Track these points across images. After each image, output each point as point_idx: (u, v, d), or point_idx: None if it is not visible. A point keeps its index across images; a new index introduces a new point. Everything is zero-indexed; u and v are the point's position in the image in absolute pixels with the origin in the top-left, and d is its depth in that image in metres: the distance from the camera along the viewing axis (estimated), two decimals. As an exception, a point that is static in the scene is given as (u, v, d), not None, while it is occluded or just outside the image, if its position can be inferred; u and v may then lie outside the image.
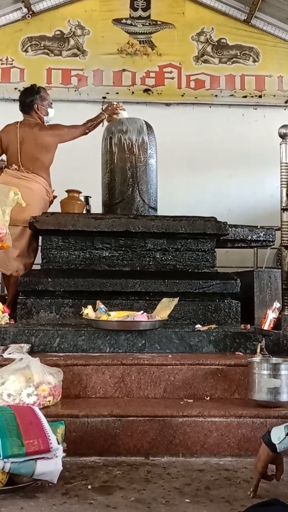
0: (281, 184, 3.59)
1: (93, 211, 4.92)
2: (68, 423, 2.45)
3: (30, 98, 4.43)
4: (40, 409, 2.33)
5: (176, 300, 3.42)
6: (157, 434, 2.57)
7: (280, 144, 3.60)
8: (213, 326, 3.50)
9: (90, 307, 3.36)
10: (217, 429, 2.59)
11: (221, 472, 2.36)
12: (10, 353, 2.97)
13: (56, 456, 2.09)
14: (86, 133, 4.47)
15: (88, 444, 2.53)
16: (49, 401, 2.62)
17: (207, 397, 2.87)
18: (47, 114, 4.47)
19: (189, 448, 2.57)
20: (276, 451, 1.97)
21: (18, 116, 4.51)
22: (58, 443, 2.13)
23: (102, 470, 2.35)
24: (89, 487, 2.14)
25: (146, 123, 4.60)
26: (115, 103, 4.60)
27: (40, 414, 2.23)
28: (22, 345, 3.15)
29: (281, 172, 3.59)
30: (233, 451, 2.58)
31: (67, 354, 3.16)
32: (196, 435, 2.58)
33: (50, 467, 2.06)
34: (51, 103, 4.53)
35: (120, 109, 4.52)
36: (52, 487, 2.11)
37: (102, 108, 4.67)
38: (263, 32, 7.89)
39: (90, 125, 4.46)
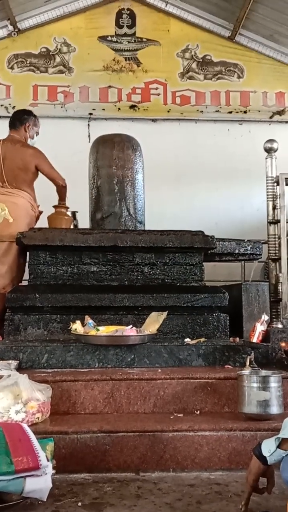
0: (267, 198, 3.62)
1: (80, 226, 4.92)
2: (57, 440, 2.43)
3: (24, 116, 4.56)
4: (28, 426, 2.30)
5: (165, 314, 3.42)
6: (147, 449, 2.55)
7: (266, 159, 3.64)
8: (202, 339, 3.49)
9: (78, 322, 3.35)
10: (207, 443, 2.58)
11: (212, 487, 2.34)
12: (-2, 370, 2.94)
13: (46, 474, 2.06)
14: (64, 185, 4.44)
15: (77, 461, 2.50)
16: (38, 417, 2.59)
17: (197, 411, 2.86)
18: (32, 137, 4.57)
19: (179, 463, 2.55)
20: (267, 463, 1.96)
21: (4, 132, 4.54)
22: (48, 460, 2.11)
23: (92, 486, 2.33)
24: (79, 504, 2.12)
25: (133, 138, 4.62)
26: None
27: (29, 431, 2.20)
28: (10, 361, 3.12)
29: (267, 186, 3.62)
30: (224, 465, 2.57)
31: (56, 370, 3.14)
32: (187, 450, 2.56)
33: (39, 484, 2.04)
34: (38, 133, 4.64)
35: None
36: (42, 505, 2.08)
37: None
38: (247, 49, 8.01)
39: (64, 191, 4.46)
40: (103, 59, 7.91)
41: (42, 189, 4.51)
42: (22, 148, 4.37)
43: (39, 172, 4.40)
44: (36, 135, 4.62)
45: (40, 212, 4.49)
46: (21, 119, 4.53)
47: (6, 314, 3.75)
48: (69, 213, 4.62)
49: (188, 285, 3.97)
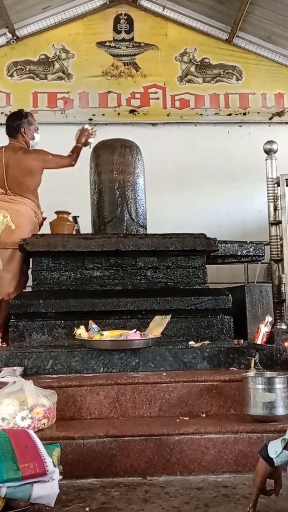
0: (268, 199, 3.62)
1: (82, 230, 4.93)
2: (64, 445, 2.43)
3: (17, 122, 4.51)
4: (35, 432, 2.31)
5: (169, 317, 3.42)
6: (154, 453, 2.54)
7: (266, 160, 3.64)
8: (207, 342, 3.49)
9: (82, 327, 3.35)
10: (214, 446, 2.58)
11: (219, 489, 2.34)
12: (3, 377, 2.95)
13: (53, 479, 2.06)
14: (73, 165, 4.49)
15: (84, 466, 2.50)
16: (44, 423, 2.59)
17: (203, 414, 2.86)
18: (33, 138, 4.55)
19: (186, 466, 2.55)
20: (274, 465, 1.96)
21: (4, 140, 4.55)
22: (54, 466, 2.11)
23: (99, 491, 2.32)
24: (87, 509, 2.12)
25: (133, 143, 4.64)
26: (87, 126, 4.63)
27: (35, 437, 2.21)
28: (15, 368, 3.12)
29: (267, 187, 3.62)
30: (231, 467, 2.56)
31: (61, 375, 3.14)
32: (193, 453, 2.56)
33: (46, 490, 2.04)
34: (38, 128, 4.63)
35: (92, 135, 4.58)
36: (50, 510, 2.09)
37: (76, 135, 4.64)
38: (245, 51, 8.01)
39: (75, 157, 4.49)
40: (102, 65, 7.93)
41: (46, 195, 4.53)
42: (24, 155, 4.38)
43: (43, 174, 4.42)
44: (36, 131, 4.58)
45: (44, 219, 4.51)
46: (14, 126, 4.51)
47: (11, 320, 3.76)
48: (70, 218, 4.64)
49: (191, 288, 3.98)
